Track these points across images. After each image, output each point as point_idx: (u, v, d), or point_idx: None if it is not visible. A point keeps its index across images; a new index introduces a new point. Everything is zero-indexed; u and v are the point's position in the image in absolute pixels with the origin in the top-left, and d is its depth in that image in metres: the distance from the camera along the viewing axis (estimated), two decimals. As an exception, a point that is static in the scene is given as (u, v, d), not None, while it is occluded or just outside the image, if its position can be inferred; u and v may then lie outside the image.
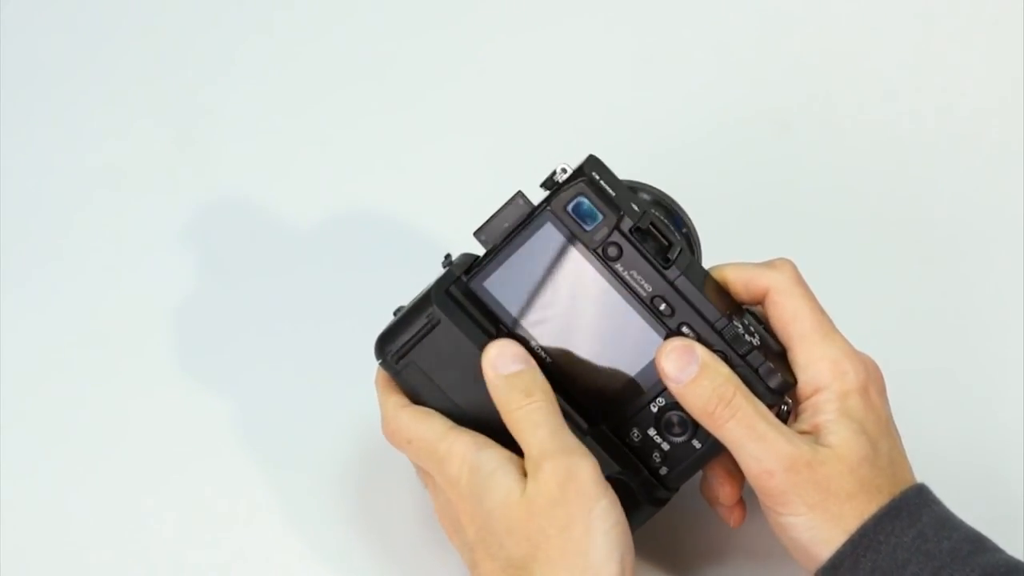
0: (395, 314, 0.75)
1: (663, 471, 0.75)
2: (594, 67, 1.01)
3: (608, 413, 0.75)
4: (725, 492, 0.76)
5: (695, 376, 0.71)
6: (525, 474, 0.71)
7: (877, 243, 0.93)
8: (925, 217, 0.94)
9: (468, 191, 0.88)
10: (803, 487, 0.71)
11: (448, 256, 0.75)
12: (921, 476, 0.73)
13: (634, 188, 0.78)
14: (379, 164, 0.97)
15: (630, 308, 0.74)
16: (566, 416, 0.73)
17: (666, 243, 0.74)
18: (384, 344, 0.75)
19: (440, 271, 0.75)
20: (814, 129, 0.98)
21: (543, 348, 0.74)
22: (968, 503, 0.73)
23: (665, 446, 0.74)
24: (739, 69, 1.00)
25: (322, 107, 0.99)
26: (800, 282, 0.74)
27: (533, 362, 0.73)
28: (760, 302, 0.75)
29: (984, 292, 0.91)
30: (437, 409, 0.74)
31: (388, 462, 0.81)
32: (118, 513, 0.83)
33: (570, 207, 0.73)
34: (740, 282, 0.75)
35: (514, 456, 0.72)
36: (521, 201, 0.74)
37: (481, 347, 0.73)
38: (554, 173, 0.74)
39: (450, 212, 0.88)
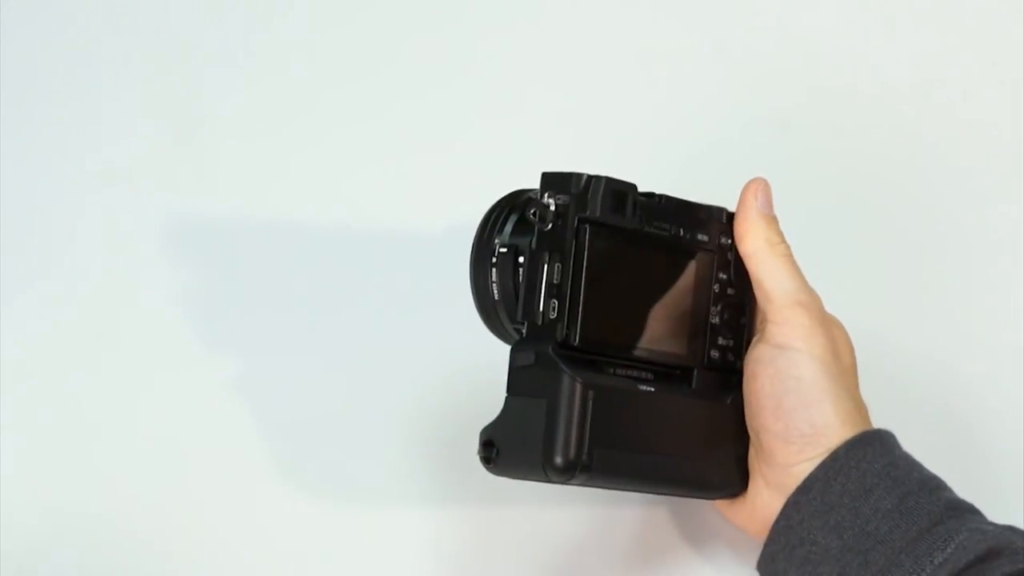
0: (487, 444, 0.68)
1: (739, 364, 0.75)
2: (592, 67, 1.01)
3: (693, 356, 0.74)
4: None
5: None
6: None
7: (876, 243, 0.93)
8: (925, 217, 0.94)
9: (470, 193, 0.88)
10: (808, 323, 0.74)
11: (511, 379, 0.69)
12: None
13: None
14: (380, 165, 0.97)
15: (669, 256, 0.73)
16: (669, 384, 0.73)
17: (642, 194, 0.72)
18: (554, 456, 0.66)
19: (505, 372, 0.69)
20: (814, 129, 0.98)
21: (645, 349, 0.72)
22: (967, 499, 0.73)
23: (732, 343, 0.75)
24: (738, 68, 1.00)
25: (323, 108, 0.99)
26: None
27: None
28: None
29: (985, 292, 0.91)
30: (638, 479, 0.71)
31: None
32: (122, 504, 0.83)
33: (605, 201, 0.69)
34: None
35: None
36: (542, 260, 0.68)
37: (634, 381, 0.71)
38: (535, 212, 0.68)
39: (452, 213, 0.88)
